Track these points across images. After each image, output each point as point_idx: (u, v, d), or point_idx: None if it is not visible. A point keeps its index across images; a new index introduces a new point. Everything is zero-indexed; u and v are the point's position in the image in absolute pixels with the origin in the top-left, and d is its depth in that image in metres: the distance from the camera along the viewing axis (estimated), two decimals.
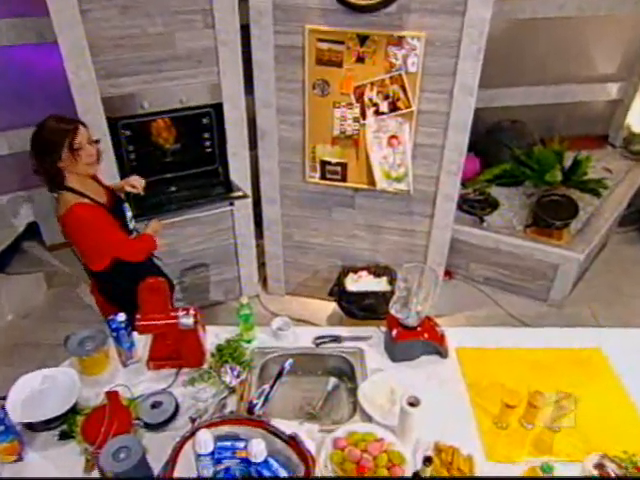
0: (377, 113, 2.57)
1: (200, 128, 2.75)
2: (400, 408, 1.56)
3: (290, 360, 1.66)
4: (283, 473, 1.28)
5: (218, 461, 1.32)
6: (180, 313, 1.74)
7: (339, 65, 2.47)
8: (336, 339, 1.95)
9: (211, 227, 3.04)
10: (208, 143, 2.81)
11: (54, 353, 2.71)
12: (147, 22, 2.35)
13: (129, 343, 1.84)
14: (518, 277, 3.31)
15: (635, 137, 3.87)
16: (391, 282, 2.84)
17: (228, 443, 1.33)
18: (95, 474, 1.47)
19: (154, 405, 1.66)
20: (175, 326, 1.73)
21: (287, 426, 1.41)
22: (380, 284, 2.88)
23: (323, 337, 1.95)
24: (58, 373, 1.73)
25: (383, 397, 1.71)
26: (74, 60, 2.30)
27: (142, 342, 1.93)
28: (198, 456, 1.31)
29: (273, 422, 1.41)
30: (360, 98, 2.55)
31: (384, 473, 1.45)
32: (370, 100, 2.55)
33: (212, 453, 1.31)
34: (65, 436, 1.59)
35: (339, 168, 2.79)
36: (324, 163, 2.80)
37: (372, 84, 2.50)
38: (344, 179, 2.82)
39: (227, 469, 1.31)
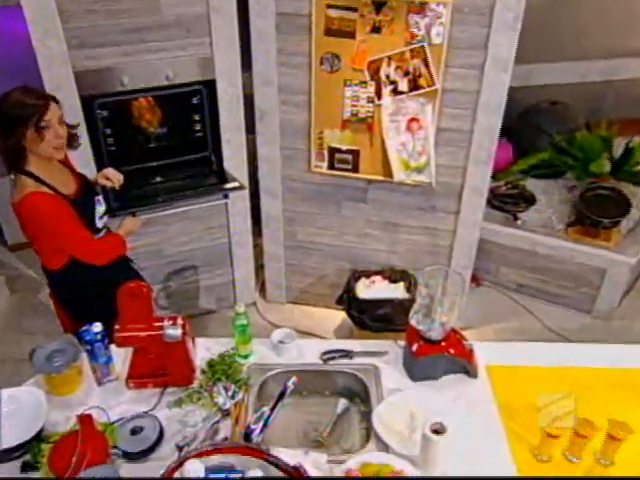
0: (395, 92, 2.58)
1: (189, 109, 2.75)
2: (422, 436, 1.54)
3: (293, 378, 1.65)
4: None
5: None
6: (166, 323, 1.74)
7: (351, 36, 2.48)
8: (347, 354, 1.95)
9: (202, 223, 3.05)
10: (198, 126, 2.81)
11: (17, 369, 2.72)
12: None
13: (105, 358, 1.83)
14: (557, 284, 3.32)
15: None
16: (409, 289, 2.87)
17: (221, 475, 1.32)
18: None
19: (134, 431, 1.65)
20: (160, 338, 1.73)
21: (290, 456, 1.42)
22: (397, 291, 2.89)
23: (332, 352, 1.95)
24: (22, 393, 1.72)
25: (402, 422, 1.70)
26: (40, 26, 2.27)
27: (121, 357, 1.92)
28: None
29: (273, 451, 1.42)
30: (375, 75, 2.56)
31: None
32: (387, 77, 2.56)
33: None
34: (29, 467, 1.57)
35: (350, 156, 2.80)
36: (333, 150, 2.81)
37: (389, 58, 2.51)
38: (356, 169, 2.83)
39: None
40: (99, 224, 2.10)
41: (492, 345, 2.01)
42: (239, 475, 1.34)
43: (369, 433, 1.71)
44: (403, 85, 2.55)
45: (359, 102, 2.64)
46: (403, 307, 2.69)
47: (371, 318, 2.77)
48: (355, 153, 2.78)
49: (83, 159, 2.50)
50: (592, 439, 1.59)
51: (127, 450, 1.60)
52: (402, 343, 1.94)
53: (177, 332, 1.73)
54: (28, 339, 2.90)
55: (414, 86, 2.54)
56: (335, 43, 2.50)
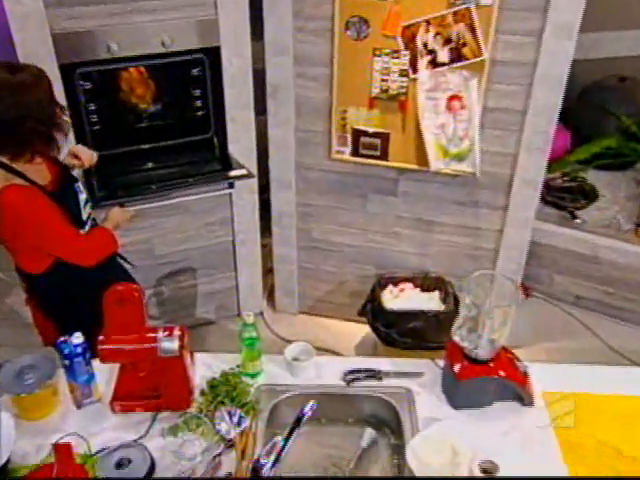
0: (434, 64, 2.57)
1: (188, 82, 2.76)
2: (469, 476, 1.51)
3: (311, 403, 1.63)
4: None
5: None
6: (160, 334, 1.72)
7: None
8: (374, 375, 1.94)
9: (201, 218, 3.06)
10: (199, 103, 2.82)
11: None
12: None
13: (87, 375, 1.82)
14: (623, 296, 3.30)
15: None
16: (445, 299, 2.89)
17: None
18: None
19: (120, 463, 1.62)
20: (153, 352, 1.71)
21: None
22: (430, 301, 2.90)
23: (356, 372, 1.94)
24: None
25: (441, 459, 1.66)
26: None
27: (105, 374, 1.92)
28: None
29: None
30: (411, 43, 2.55)
31: None
32: (424, 46, 2.54)
33: None
34: None
35: (378, 141, 2.80)
36: (358, 133, 2.81)
37: (428, 23, 2.48)
38: (384, 156, 2.83)
39: None
40: (84, 215, 2.10)
41: (549, 368, 1.98)
42: None
43: (401, 470, 1.71)
44: (443, 55, 2.54)
45: (390, 76, 2.64)
46: (438, 321, 2.73)
47: (400, 333, 2.77)
48: (384, 137, 2.78)
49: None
50: None
51: None
52: (441, 363, 1.93)
53: (174, 345, 1.72)
54: None
55: (457, 57, 2.53)
56: (363, 4, 2.50)
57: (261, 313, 3.39)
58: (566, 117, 3.39)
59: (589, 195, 3.41)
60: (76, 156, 2.17)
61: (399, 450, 1.75)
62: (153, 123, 2.82)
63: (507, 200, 2.83)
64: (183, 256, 3.13)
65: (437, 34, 2.50)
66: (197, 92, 2.80)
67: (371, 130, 2.78)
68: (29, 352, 1.87)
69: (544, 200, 3.28)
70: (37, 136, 1.86)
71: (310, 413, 1.61)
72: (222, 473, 1.64)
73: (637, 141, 3.43)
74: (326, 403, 1.82)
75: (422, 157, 2.74)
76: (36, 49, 2.38)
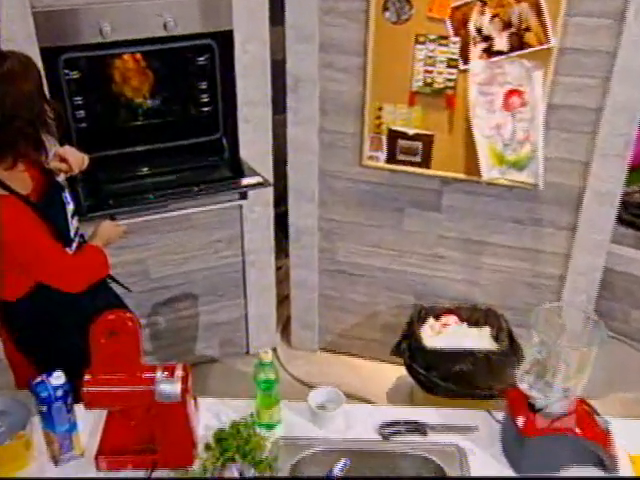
0: (489, 53, 2.55)
1: (194, 72, 2.78)
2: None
3: (343, 461, 1.64)
4: None
5: None
6: (159, 375, 1.71)
7: None
8: (417, 429, 1.92)
9: (205, 234, 3.06)
10: (206, 98, 2.83)
11: None
12: None
13: (68, 424, 1.79)
14: None
15: None
16: (497, 336, 2.88)
17: None
18: None
19: None
20: (149, 397, 1.69)
21: None
22: (480, 338, 2.89)
23: (395, 424, 1.92)
24: None
25: None
26: None
27: (89, 423, 1.90)
28: None
29: None
30: (461, 27, 2.54)
31: None
32: (478, 31, 2.52)
33: None
34: None
35: (419, 144, 2.79)
36: (395, 135, 2.81)
37: (483, 3, 2.47)
38: (427, 163, 2.83)
39: None
40: (71, 230, 2.10)
41: (635, 424, 1.95)
42: None
43: None
44: (502, 42, 2.52)
45: (436, 66, 2.62)
46: (489, 363, 2.71)
47: (443, 377, 2.75)
48: (427, 140, 2.77)
49: None
50: None
51: None
52: (500, 415, 1.91)
53: (175, 389, 1.69)
54: None
55: (518, 44, 2.50)
56: None
57: (274, 349, 3.39)
58: None
59: None
60: (63, 159, 2.15)
61: None
62: (151, 121, 2.84)
63: (576, 218, 2.81)
64: (183, 280, 3.14)
65: (494, 16, 2.48)
66: (203, 85, 2.81)
67: (411, 131, 2.77)
68: None
69: (620, 219, 3.17)
70: (24, 138, 1.86)
71: (341, 473, 1.63)
72: None
73: None
74: (359, 461, 1.82)
75: (472, 164, 2.73)
76: (13, 30, 2.37)
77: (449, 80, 2.63)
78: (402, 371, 2.93)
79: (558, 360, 1.72)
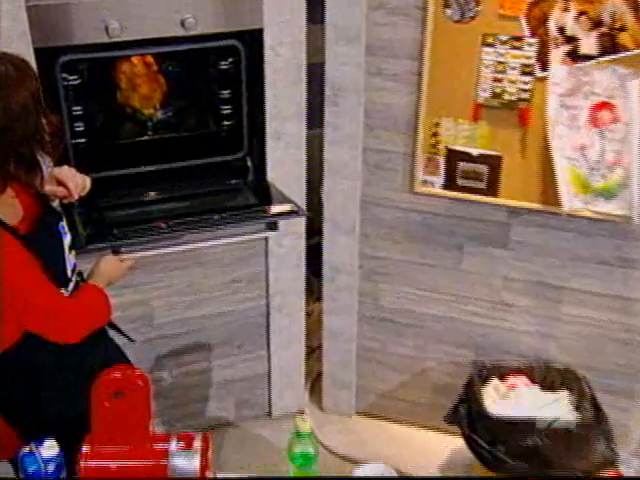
0: (573, 57, 2.53)
1: (215, 79, 2.82)
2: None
3: None
4: None
5: None
6: (173, 446, 1.68)
7: None
8: None
9: (223, 272, 3.07)
10: (228, 109, 2.86)
11: None
12: None
13: None
14: None
15: None
16: (579, 403, 2.81)
17: None
18: None
19: None
20: (160, 472, 1.67)
21: None
22: (556, 405, 2.83)
23: None
24: None
25: None
26: None
27: None
28: None
29: None
30: (540, 26, 2.53)
31: None
32: (560, 30, 2.51)
33: None
34: None
35: (484, 168, 2.78)
36: (455, 156, 2.80)
37: None
38: (493, 190, 2.81)
39: None
40: (68, 268, 2.08)
41: None
42: None
43: None
44: (589, 44, 2.49)
45: (507, 73, 2.60)
46: (569, 437, 2.66)
47: (511, 452, 2.69)
48: (494, 162, 2.76)
49: None
50: None
51: None
52: None
53: (192, 464, 1.67)
54: None
55: (610, 46, 2.47)
56: None
57: (302, 412, 3.22)
58: None
59: None
60: (60, 183, 2.15)
61: None
62: (162, 136, 2.87)
63: None
64: (194, 327, 3.13)
65: (581, 14, 2.46)
66: (226, 94, 2.82)
67: (475, 152, 2.76)
68: None
69: None
70: (15, 157, 1.82)
71: None
72: None
73: None
74: None
75: (549, 192, 2.71)
76: (2, 27, 2.36)
77: (523, 90, 2.62)
78: (459, 442, 2.91)
79: None
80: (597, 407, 2.72)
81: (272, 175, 2.89)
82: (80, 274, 2.18)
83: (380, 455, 3.03)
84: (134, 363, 2.37)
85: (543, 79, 2.57)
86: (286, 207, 2.77)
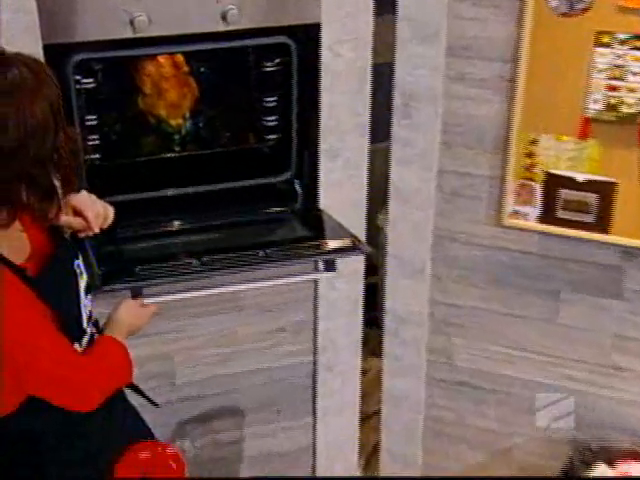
0: None
1: (258, 84, 2.84)
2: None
3: None
4: None
5: None
6: None
7: None
8: None
9: (262, 320, 3.05)
10: (274, 120, 2.87)
11: None
12: None
13: None
14: None
15: None
16: None
17: None
18: None
19: None
20: None
21: None
22: None
23: None
24: None
25: None
26: None
27: None
28: None
29: None
30: None
31: None
32: None
33: None
34: None
35: (593, 197, 2.78)
36: (555, 182, 2.80)
37: None
38: (603, 224, 2.80)
39: None
40: (83, 317, 2.06)
41: None
42: None
43: None
44: None
45: (626, 80, 2.59)
46: None
47: None
48: (606, 190, 2.74)
49: None
50: None
51: None
52: None
53: None
54: None
55: None
56: None
57: None
58: None
59: None
60: (78, 212, 2.12)
61: None
62: (192, 152, 2.89)
63: None
64: (224, 387, 3.10)
65: None
66: (271, 101, 2.84)
67: (581, 177, 2.75)
68: None
69: None
70: (29, 183, 1.78)
71: None
72: None
73: None
74: None
75: None
76: (6, 20, 2.35)
77: None
78: None
79: None
80: None
81: (325, 201, 2.88)
82: (96, 324, 2.17)
83: None
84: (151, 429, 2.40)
85: None
86: (345, 242, 2.70)
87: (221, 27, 2.55)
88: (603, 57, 2.56)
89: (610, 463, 2.88)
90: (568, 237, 2.82)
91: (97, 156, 2.70)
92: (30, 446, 2.02)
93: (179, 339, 2.96)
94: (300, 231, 2.83)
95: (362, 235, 2.89)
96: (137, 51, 2.59)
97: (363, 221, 2.96)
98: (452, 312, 3.07)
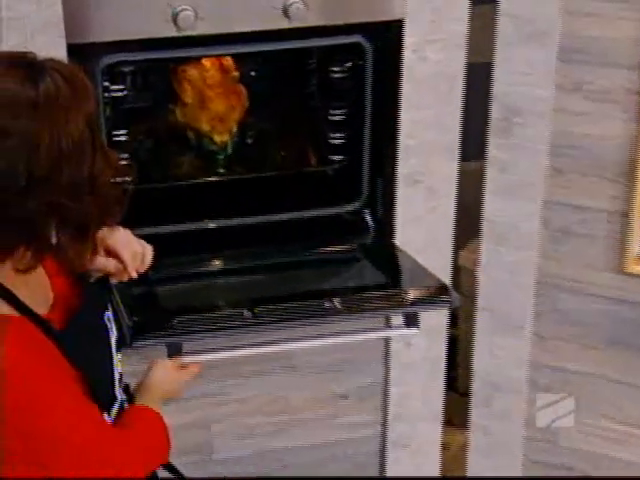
0: None
1: (324, 93, 2.96)
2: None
3: None
4: None
5: None
6: None
7: None
8: None
9: (320, 383, 3.08)
10: (341, 138, 2.93)
11: None
12: None
13: None
14: None
15: None
16: None
17: None
18: None
19: None
20: None
21: None
22: None
23: None
24: None
25: None
26: None
27: None
28: None
29: None
30: None
31: None
32: None
33: None
34: None
35: None
36: None
37: None
38: None
39: None
40: (116, 377, 2.05)
41: None
42: None
43: None
44: None
45: None
46: None
47: None
48: None
49: None
50: None
51: None
52: None
53: None
54: None
55: None
56: None
57: None
58: None
59: None
60: (112, 253, 2.09)
61: None
62: (240, 176, 2.95)
63: None
64: (272, 464, 3.13)
65: None
66: (338, 114, 2.89)
67: None
68: None
69: None
70: (60, 219, 1.73)
71: None
72: None
73: None
74: None
75: None
76: (24, 14, 2.42)
77: None
78: None
79: None
80: None
81: (403, 237, 2.88)
82: (126, 389, 2.12)
83: None
84: None
85: None
86: (430, 291, 2.65)
87: (282, 24, 2.57)
88: None
89: None
90: None
91: (128, 178, 2.68)
92: None
93: (217, 404, 2.98)
94: (372, 275, 2.85)
95: (447, 280, 2.86)
96: (179, 52, 2.63)
97: (449, 262, 2.97)
98: (558, 378, 3.04)
